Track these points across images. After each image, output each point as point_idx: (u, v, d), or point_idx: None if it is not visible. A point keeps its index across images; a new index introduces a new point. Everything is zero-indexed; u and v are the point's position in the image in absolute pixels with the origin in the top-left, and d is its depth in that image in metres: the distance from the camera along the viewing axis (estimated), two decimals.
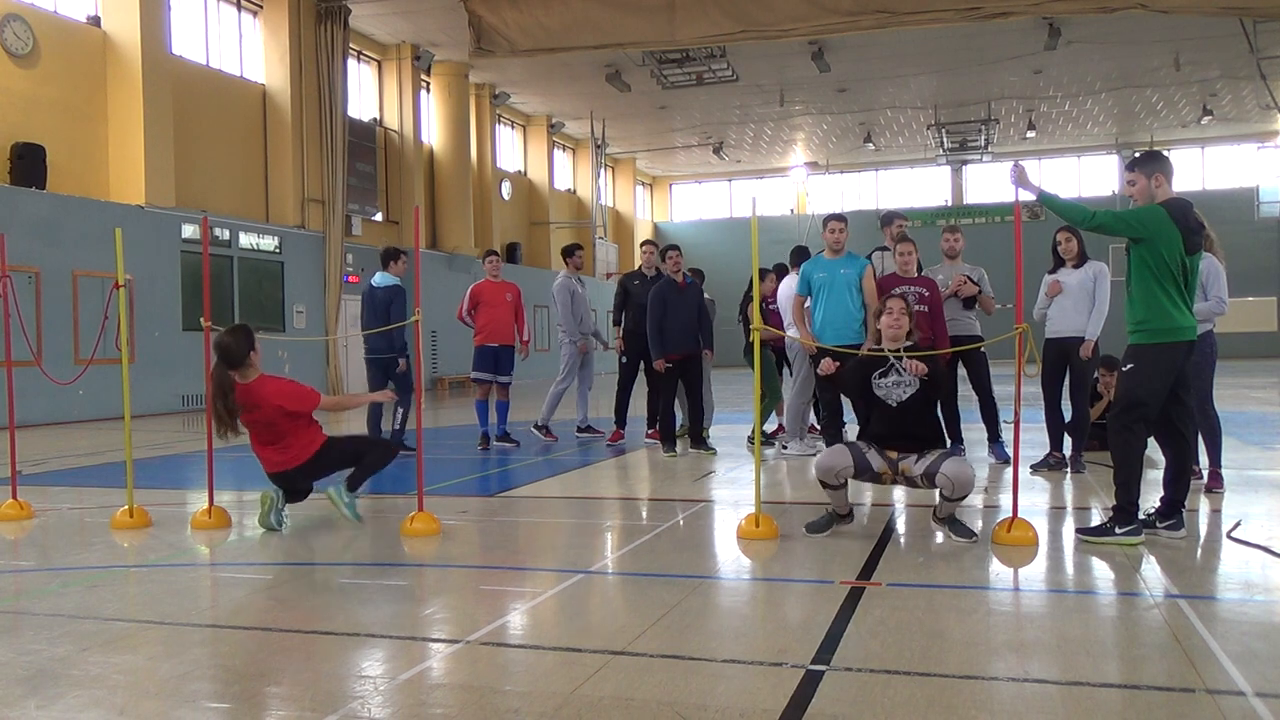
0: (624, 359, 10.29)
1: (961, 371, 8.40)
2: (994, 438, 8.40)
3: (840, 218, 8.31)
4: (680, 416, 10.04)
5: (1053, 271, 7.83)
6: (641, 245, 10.52)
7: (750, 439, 9.51)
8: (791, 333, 9.02)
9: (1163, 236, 5.12)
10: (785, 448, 9.32)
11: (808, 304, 8.40)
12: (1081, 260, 7.71)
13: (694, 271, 10.60)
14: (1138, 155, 5.57)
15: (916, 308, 7.91)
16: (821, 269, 8.14)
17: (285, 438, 6.08)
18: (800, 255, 9.48)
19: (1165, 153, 5.73)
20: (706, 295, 10.80)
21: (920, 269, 8.32)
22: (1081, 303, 7.60)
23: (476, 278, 11.60)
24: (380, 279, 9.66)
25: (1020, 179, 5.43)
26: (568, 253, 10.96)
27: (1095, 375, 8.35)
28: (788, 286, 9.43)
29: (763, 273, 9.58)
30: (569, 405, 11.27)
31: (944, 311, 8.11)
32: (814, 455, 8.84)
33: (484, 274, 10.63)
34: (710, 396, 10.79)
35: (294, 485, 6.18)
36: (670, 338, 9.36)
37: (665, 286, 9.53)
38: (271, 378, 6.15)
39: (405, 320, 8.35)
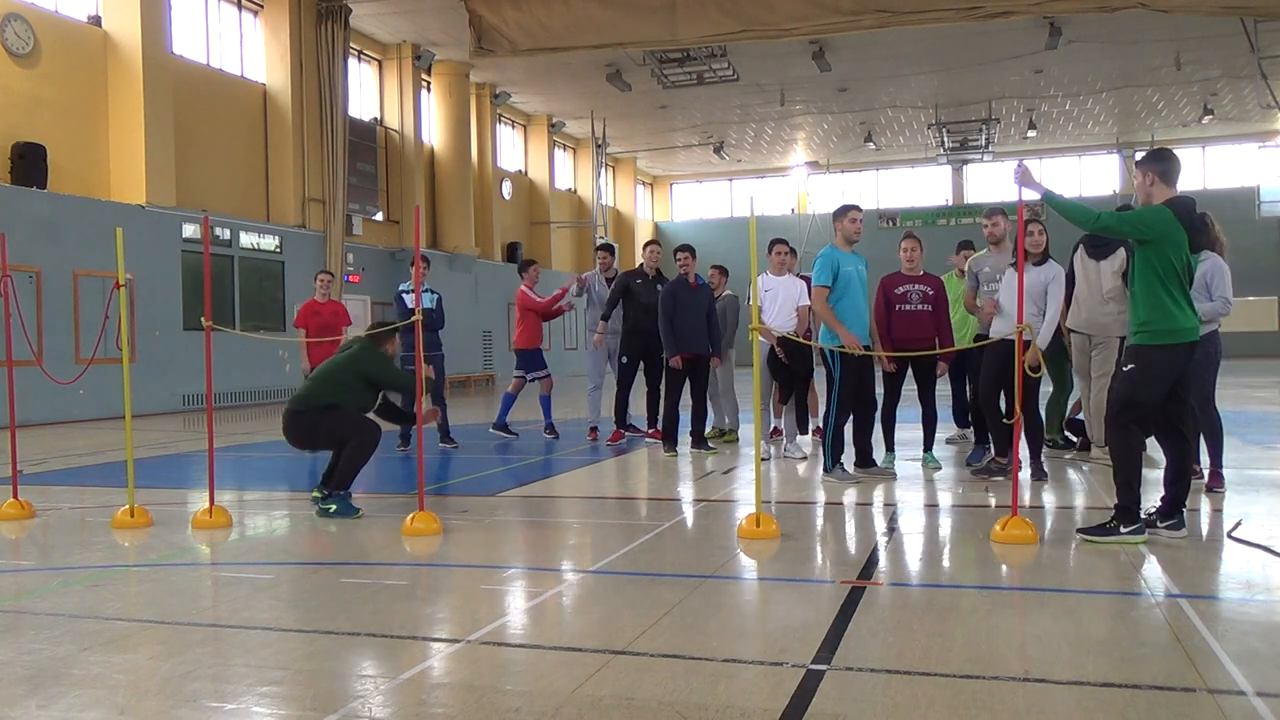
0: (624, 359, 10.29)
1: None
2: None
3: (859, 208, 7.78)
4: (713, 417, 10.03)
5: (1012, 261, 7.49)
6: (646, 245, 10.57)
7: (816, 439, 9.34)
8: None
9: (1170, 238, 5.08)
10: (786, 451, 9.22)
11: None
12: (1044, 259, 7.33)
13: (718, 269, 10.64)
14: (1139, 155, 5.53)
15: (921, 306, 7.91)
16: (847, 262, 7.52)
17: None
18: None
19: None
20: (730, 292, 10.79)
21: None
22: (1030, 304, 7.25)
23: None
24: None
25: (1025, 179, 5.39)
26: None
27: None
28: (767, 282, 9.19)
29: None
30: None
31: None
32: (803, 458, 8.82)
33: (517, 281, 11.22)
34: (733, 397, 10.78)
35: None
36: (683, 337, 9.34)
37: (677, 285, 9.49)
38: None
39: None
